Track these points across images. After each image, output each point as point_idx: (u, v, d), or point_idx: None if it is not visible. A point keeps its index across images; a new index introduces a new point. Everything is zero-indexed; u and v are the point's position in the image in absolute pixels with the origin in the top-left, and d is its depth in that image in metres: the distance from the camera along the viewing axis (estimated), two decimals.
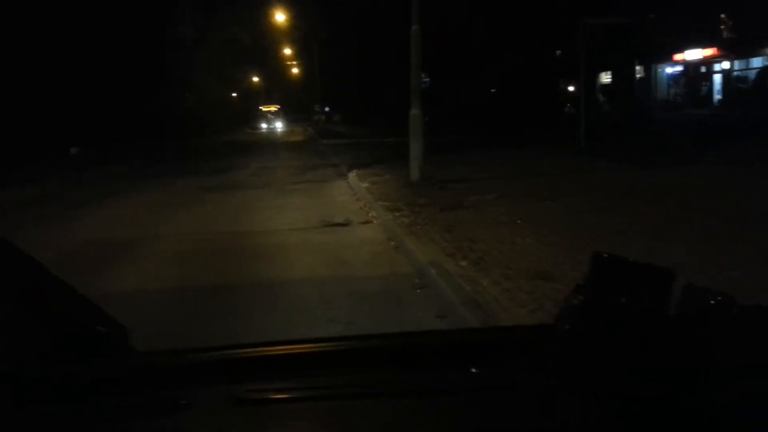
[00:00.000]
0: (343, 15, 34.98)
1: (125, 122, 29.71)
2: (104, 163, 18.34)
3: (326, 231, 6.66)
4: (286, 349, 0.96)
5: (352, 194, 9.36)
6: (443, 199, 7.68)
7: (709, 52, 27.76)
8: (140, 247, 6.14)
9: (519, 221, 6.10)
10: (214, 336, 3.61)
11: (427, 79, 13.11)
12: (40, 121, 23.64)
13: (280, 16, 37.67)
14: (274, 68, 60.02)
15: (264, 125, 42.63)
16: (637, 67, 28.25)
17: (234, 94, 59.22)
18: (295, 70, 59.27)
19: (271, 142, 28.39)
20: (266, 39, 47.75)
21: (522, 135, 18.42)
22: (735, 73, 28.04)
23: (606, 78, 31.71)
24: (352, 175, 10.90)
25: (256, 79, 64.33)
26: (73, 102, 25.54)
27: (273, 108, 46.23)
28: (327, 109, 48.89)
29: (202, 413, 0.86)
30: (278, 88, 64.53)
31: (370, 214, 7.48)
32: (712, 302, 0.83)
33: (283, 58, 55.01)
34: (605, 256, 0.85)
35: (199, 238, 6.59)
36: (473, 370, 0.89)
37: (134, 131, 29.50)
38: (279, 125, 42.74)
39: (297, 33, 43.05)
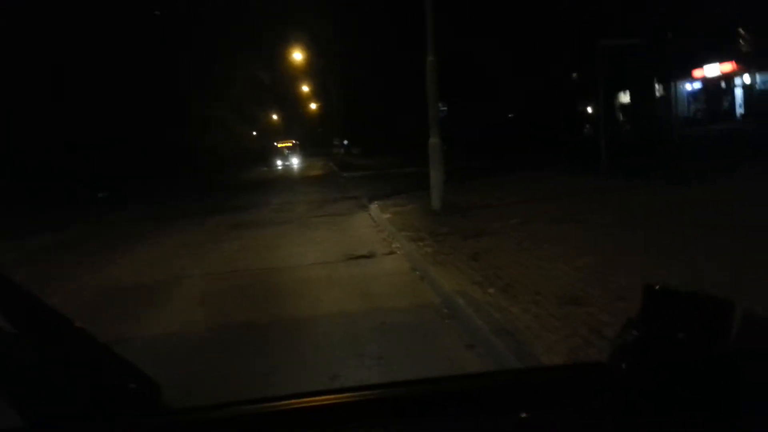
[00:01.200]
0: (360, 47, 35.59)
1: (151, 162, 30.57)
2: (132, 203, 18.70)
3: (350, 264, 6.62)
4: (319, 401, 0.91)
5: (375, 226, 9.34)
6: (466, 227, 7.60)
7: (727, 67, 27.56)
8: (176, 287, 6.18)
9: (545, 245, 6.00)
10: (246, 373, 3.60)
11: (445, 108, 13.19)
12: (69, 164, 24.44)
13: (297, 55, 38.48)
14: (293, 105, 61.17)
15: (280, 162, 40.87)
16: (657, 85, 28.09)
17: (254, 132, 60.34)
18: (313, 106, 60.28)
19: (291, 176, 28.68)
20: (286, 77, 48.73)
21: (542, 158, 18.34)
22: (758, 87, 27.74)
23: (625, 97, 31.61)
24: (374, 207, 10.89)
25: (275, 117, 65.57)
26: (99, 142, 26.42)
27: (289, 143, 44.34)
28: (346, 142, 49.37)
29: None
30: (297, 123, 65.58)
31: (393, 245, 7.43)
32: None
33: (302, 94, 56.00)
34: (657, 287, 0.80)
35: (229, 276, 6.60)
36: (522, 415, 0.84)
37: (159, 171, 30.31)
38: (296, 161, 41.29)
39: (315, 68, 43.81)
